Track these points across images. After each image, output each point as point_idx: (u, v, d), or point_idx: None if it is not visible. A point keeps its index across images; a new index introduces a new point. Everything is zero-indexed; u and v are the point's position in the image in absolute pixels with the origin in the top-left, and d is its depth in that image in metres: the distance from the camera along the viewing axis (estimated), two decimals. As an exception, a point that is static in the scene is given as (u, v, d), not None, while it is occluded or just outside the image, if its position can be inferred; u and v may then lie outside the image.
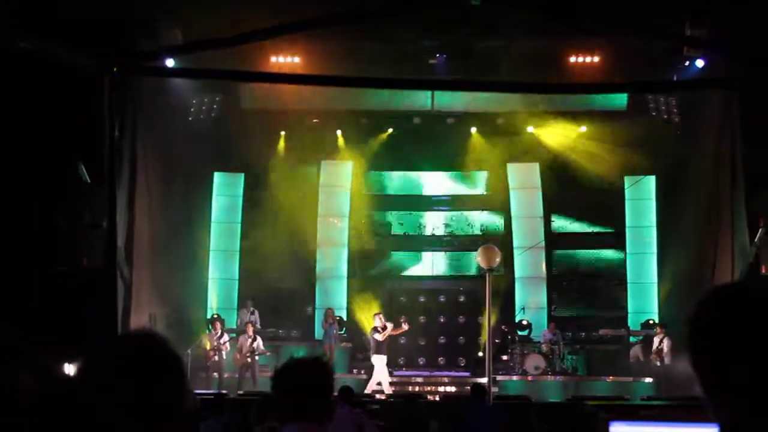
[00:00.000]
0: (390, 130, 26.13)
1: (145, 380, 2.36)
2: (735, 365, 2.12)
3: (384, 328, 21.91)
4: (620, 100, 24.93)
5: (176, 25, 19.57)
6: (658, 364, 22.26)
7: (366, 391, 21.09)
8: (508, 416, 13.88)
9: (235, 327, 24.65)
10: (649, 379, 22.55)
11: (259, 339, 22.42)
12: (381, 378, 21.65)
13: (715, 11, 18.23)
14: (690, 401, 15.39)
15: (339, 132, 26.20)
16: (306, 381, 4.13)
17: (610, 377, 22.94)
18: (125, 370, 2.36)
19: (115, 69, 11.89)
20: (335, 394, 4.37)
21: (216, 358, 22.19)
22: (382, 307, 24.15)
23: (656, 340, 22.62)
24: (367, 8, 15.14)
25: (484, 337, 23.87)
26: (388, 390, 21.32)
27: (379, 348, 21.78)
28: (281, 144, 26.18)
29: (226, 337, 22.61)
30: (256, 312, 24.51)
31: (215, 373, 22.24)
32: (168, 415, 2.39)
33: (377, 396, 20.56)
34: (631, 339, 24.67)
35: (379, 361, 21.74)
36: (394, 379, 22.62)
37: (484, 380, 18.31)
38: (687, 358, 2.27)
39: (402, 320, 22.97)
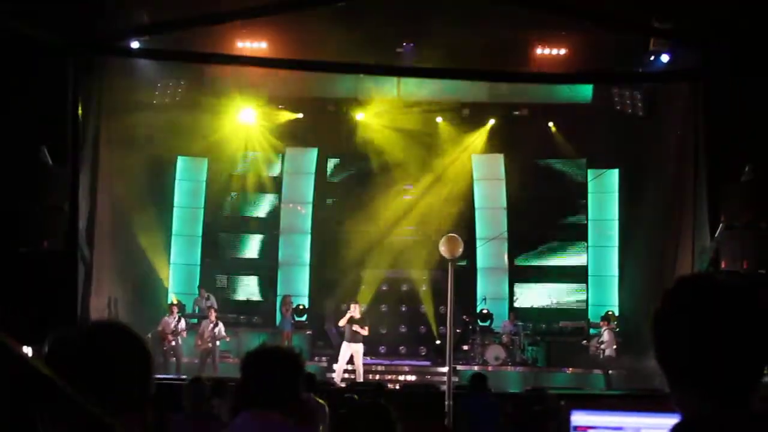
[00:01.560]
0: (356, 118, 26.02)
1: (109, 367, 2.33)
2: (702, 356, 2.12)
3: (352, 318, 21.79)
4: (585, 92, 25.05)
5: (142, 5, 19.41)
6: (601, 356, 22.45)
7: (359, 380, 21.22)
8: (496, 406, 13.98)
9: (192, 312, 24.56)
10: (609, 371, 22.74)
11: (220, 324, 22.38)
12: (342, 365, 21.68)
13: (681, 4, 18.34)
14: (649, 392, 15.56)
15: (303, 118, 26.06)
16: (276, 369, 4.14)
17: (570, 369, 23.08)
18: (89, 356, 2.32)
19: (79, 49, 11.75)
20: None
21: (173, 342, 22.14)
22: (344, 295, 24.21)
23: (602, 332, 22.83)
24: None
25: (438, 326, 24.08)
26: (339, 378, 21.42)
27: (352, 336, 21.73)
28: (245, 129, 26.05)
29: (183, 323, 22.56)
30: (212, 297, 24.47)
31: (173, 358, 22.17)
32: (131, 402, 2.36)
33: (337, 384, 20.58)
34: (591, 331, 24.82)
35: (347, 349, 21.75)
36: (351, 367, 22.58)
37: (442, 369, 18.36)
38: (649, 349, 2.25)
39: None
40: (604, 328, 22.76)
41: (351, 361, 21.70)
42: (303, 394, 4.31)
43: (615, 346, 22.34)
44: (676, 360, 2.18)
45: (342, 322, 21.80)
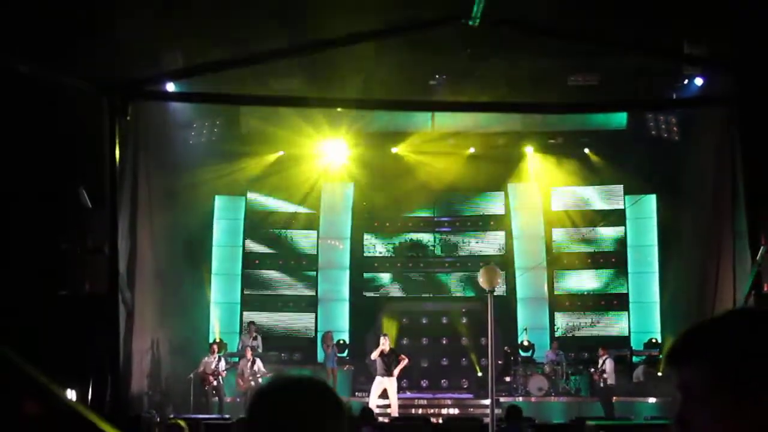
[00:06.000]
0: (392, 151, 26.08)
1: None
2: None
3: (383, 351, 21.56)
4: (620, 119, 24.97)
5: (177, 48, 19.58)
6: (602, 385, 22.27)
7: (395, 414, 21.03)
8: None
9: (236, 351, 24.58)
10: (653, 399, 22.51)
11: (258, 361, 22.33)
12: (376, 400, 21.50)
13: (713, 29, 18.28)
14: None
15: (340, 153, 26.13)
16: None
17: (614, 398, 22.85)
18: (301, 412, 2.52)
19: (115, 94, 11.92)
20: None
21: (215, 382, 22.13)
22: (384, 329, 24.17)
23: (600, 361, 22.63)
24: (365, 31, 15.20)
25: (483, 359, 23.91)
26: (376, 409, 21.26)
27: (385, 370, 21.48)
28: (281, 167, 26.15)
29: (223, 362, 22.53)
30: (259, 337, 24.46)
31: (215, 398, 22.18)
32: None
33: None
34: (634, 359, 24.62)
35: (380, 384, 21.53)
36: (385, 401, 22.45)
37: (484, 401, 18.27)
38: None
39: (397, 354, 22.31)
40: (604, 356, 22.59)
41: (384, 395, 21.50)
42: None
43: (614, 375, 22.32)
44: (718, 388, 2.14)
45: (374, 355, 21.62)
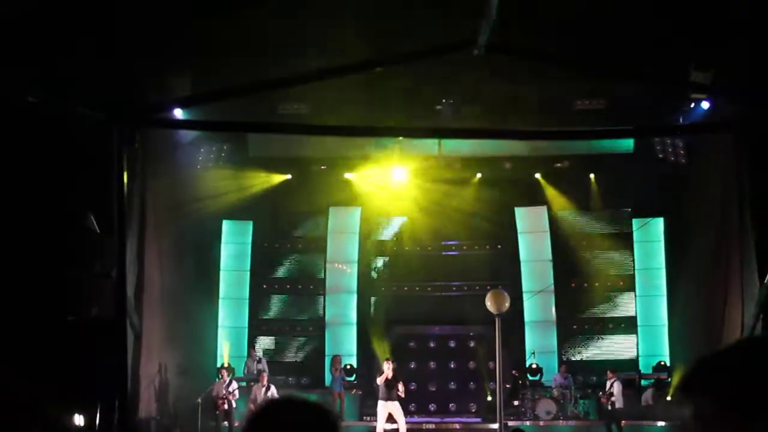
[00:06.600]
0: (398, 176, 26.07)
1: None
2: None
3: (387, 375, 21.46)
4: (627, 143, 24.96)
5: (185, 73, 19.64)
6: (610, 408, 22.19)
7: None
8: None
9: (242, 376, 24.51)
10: (661, 423, 22.41)
11: (272, 387, 22.27)
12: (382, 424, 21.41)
13: (719, 55, 18.32)
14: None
15: (347, 177, 26.17)
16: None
17: (623, 421, 22.76)
18: None
19: (122, 122, 11.98)
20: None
21: (225, 406, 22.06)
22: (391, 353, 24.11)
23: (607, 384, 22.55)
24: (372, 58, 15.26)
25: (492, 382, 23.84)
26: None
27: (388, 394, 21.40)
28: (289, 191, 26.17)
29: (234, 386, 22.46)
30: (264, 360, 24.46)
31: (225, 422, 22.12)
32: None
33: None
34: (643, 382, 24.52)
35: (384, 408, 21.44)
36: (391, 426, 22.40)
37: (493, 425, 18.21)
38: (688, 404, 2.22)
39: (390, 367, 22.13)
40: (612, 380, 22.52)
41: (392, 419, 21.40)
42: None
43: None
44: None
45: (380, 381, 21.53)
